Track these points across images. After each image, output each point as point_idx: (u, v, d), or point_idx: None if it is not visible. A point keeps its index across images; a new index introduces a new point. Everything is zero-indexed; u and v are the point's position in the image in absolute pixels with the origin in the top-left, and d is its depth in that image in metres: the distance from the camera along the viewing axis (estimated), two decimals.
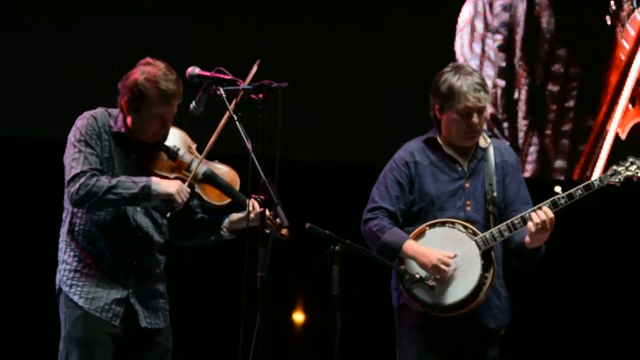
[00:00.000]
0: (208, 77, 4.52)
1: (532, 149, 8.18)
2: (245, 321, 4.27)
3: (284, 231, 4.49)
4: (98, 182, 4.53)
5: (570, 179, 8.12)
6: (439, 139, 5.11)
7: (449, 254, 4.93)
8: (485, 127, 5.19)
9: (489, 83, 8.04)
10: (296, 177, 6.59)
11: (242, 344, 4.29)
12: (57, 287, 4.70)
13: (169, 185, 4.58)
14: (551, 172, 8.19)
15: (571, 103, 8.28)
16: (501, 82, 8.16)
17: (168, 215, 4.68)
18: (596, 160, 8.26)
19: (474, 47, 8.16)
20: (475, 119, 4.98)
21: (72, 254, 4.66)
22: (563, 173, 8.22)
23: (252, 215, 4.52)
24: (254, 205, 4.50)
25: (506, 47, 8.19)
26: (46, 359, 5.10)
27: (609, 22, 8.33)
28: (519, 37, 8.23)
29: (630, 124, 8.35)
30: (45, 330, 5.22)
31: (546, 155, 8.21)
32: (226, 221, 4.82)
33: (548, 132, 8.23)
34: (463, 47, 8.13)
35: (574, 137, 8.25)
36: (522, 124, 8.19)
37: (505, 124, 8.08)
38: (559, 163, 8.24)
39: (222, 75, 4.50)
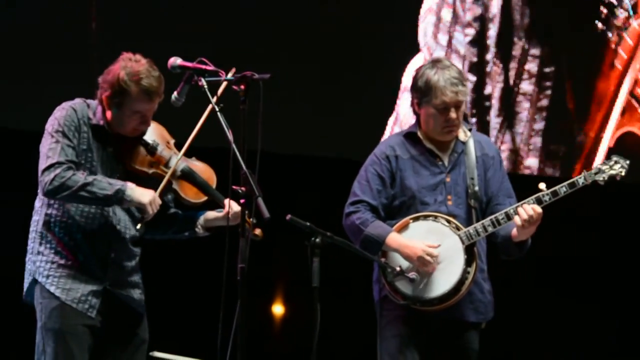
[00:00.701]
0: (190, 67, 4.49)
1: (504, 147, 8.18)
2: (225, 313, 4.26)
3: (258, 231, 4.52)
4: (74, 176, 4.52)
5: (543, 176, 8.15)
6: (419, 133, 5.11)
7: (434, 244, 4.92)
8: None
9: None
10: (278, 169, 6.59)
11: (221, 336, 4.28)
12: (30, 277, 4.67)
13: (142, 194, 4.56)
14: (522, 171, 8.21)
15: (544, 102, 8.28)
16: (472, 77, 8.16)
17: (138, 226, 4.64)
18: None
19: (440, 38, 8.15)
20: (452, 113, 4.98)
21: (48, 245, 4.64)
22: (533, 171, 8.23)
23: (230, 214, 4.54)
24: (230, 204, 4.52)
25: (478, 42, 8.19)
26: (24, 350, 5.08)
27: (599, 27, 8.33)
28: (492, 32, 8.22)
29: (619, 133, 8.37)
30: (22, 321, 5.19)
31: (518, 154, 8.22)
32: (201, 218, 4.81)
33: (520, 130, 8.23)
34: (427, 36, 8.11)
35: (546, 136, 8.26)
36: (494, 122, 8.20)
37: (474, 119, 8.09)
38: (530, 162, 8.25)
39: (204, 66, 4.48)
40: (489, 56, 8.19)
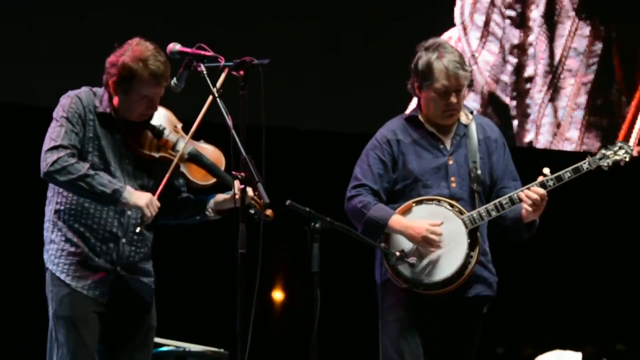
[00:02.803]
0: (189, 53, 4.50)
1: (545, 120, 8.23)
2: (231, 300, 4.24)
3: (269, 212, 4.48)
4: (77, 164, 4.52)
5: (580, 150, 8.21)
6: (420, 117, 5.10)
7: (437, 222, 4.91)
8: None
9: (488, 59, 8.09)
10: (281, 147, 6.57)
11: (240, 322, 4.25)
12: (45, 266, 4.68)
13: (139, 197, 4.55)
14: (562, 142, 8.24)
15: (590, 77, 8.32)
16: (513, 60, 8.20)
17: (137, 229, 4.63)
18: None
19: (476, 19, 8.18)
20: (453, 98, 4.97)
21: (59, 233, 4.64)
22: (573, 143, 8.26)
23: (237, 195, 4.51)
24: (239, 186, 4.47)
25: (520, 24, 8.22)
26: (36, 336, 5.09)
27: None
28: (535, 13, 8.26)
29: None
30: (35, 309, 5.21)
31: (559, 126, 8.26)
32: (211, 201, 4.80)
33: (563, 104, 8.28)
34: (464, 15, 8.14)
35: (588, 110, 8.30)
36: (537, 97, 8.24)
37: (514, 103, 8.14)
38: (571, 134, 8.30)
39: (203, 52, 4.48)
40: (532, 37, 8.21)
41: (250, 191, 4.38)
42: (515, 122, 8.28)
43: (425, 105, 5.04)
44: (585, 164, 4.98)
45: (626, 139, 8.26)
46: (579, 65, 8.31)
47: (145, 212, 4.53)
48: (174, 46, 4.53)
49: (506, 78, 8.25)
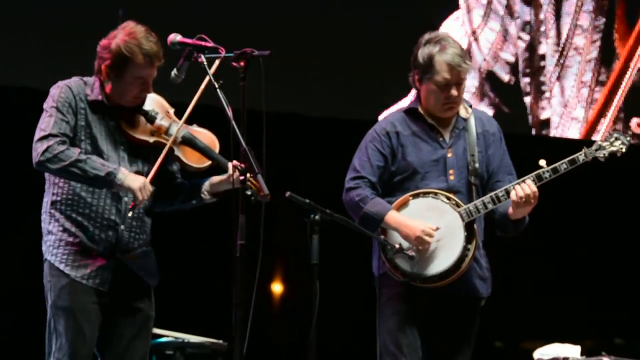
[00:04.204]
0: (189, 44, 4.50)
1: (554, 100, 8.25)
2: (233, 290, 4.24)
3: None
4: (67, 150, 4.52)
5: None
6: (420, 109, 5.10)
7: (432, 225, 4.92)
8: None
9: (490, 37, 8.11)
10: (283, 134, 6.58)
11: (239, 314, 4.24)
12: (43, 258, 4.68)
13: (134, 179, 4.54)
14: (569, 122, 8.28)
15: (594, 54, 8.34)
16: (525, 37, 8.22)
17: (130, 214, 4.62)
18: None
19: None
20: (453, 91, 4.97)
21: (56, 223, 4.64)
22: (580, 121, 8.32)
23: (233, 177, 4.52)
24: (234, 167, 4.48)
25: (532, 2, 8.26)
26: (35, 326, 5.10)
27: None
28: None
29: None
30: (35, 299, 5.21)
31: (566, 106, 8.29)
32: (206, 184, 4.79)
33: (571, 84, 8.30)
34: None
35: (593, 87, 8.34)
36: (547, 77, 8.26)
37: (527, 79, 8.15)
38: (577, 113, 8.34)
39: (203, 43, 4.48)
40: (542, 15, 8.24)
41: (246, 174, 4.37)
42: (528, 99, 8.31)
43: (425, 98, 5.05)
44: (581, 156, 4.99)
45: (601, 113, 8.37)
46: (585, 42, 8.34)
47: (137, 195, 4.53)
48: (175, 37, 4.53)
49: (508, 56, 8.29)
